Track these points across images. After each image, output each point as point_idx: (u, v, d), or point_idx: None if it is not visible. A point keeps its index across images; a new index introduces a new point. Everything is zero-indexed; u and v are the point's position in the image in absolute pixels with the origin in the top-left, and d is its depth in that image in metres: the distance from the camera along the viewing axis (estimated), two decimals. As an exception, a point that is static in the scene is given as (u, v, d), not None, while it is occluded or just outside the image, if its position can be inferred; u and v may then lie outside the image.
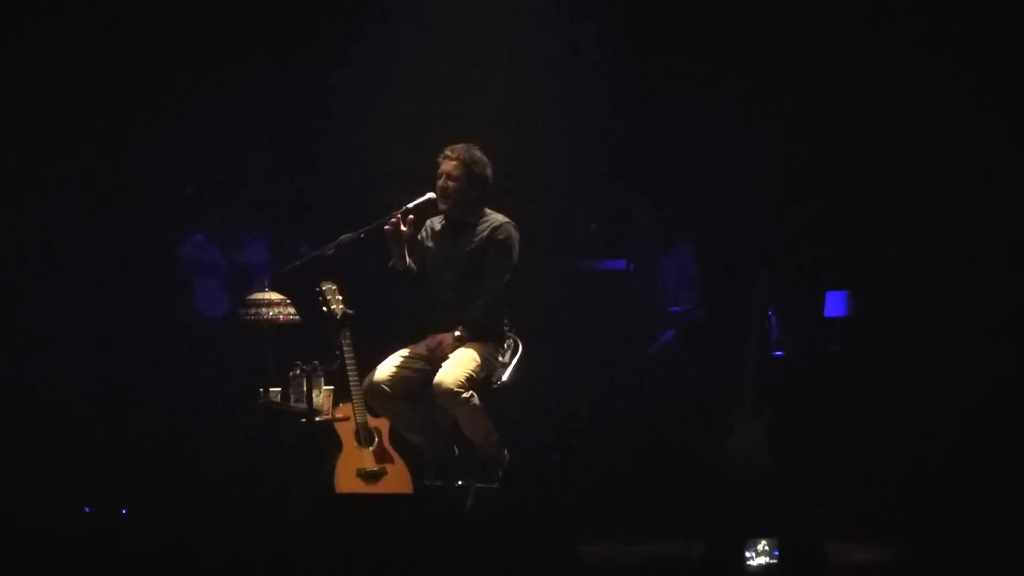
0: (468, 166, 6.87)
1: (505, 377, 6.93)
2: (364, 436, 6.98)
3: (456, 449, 7.00)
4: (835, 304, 8.09)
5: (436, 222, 7.07)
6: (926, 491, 6.76)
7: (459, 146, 6.89)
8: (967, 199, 7.01)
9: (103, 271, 7.82)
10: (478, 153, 6.90)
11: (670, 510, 7.17)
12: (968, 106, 7.01)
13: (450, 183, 6.88)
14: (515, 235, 6.94)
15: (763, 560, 6.23)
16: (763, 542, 6.19)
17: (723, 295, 8.09)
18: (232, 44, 7.92)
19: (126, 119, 7.75)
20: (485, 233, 6.94)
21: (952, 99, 7.05)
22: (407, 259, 6.95)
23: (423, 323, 7.06)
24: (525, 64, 8.06)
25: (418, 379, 6.88)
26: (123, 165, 7.83)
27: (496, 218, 6.97)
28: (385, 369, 6.90)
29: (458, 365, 6.74)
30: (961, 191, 7.02)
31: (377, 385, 6.88)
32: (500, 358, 6.96)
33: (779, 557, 6.16)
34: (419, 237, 7.04)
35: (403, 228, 6.86)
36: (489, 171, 6.92)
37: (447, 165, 6.87)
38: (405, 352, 6.95)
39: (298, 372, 7.04)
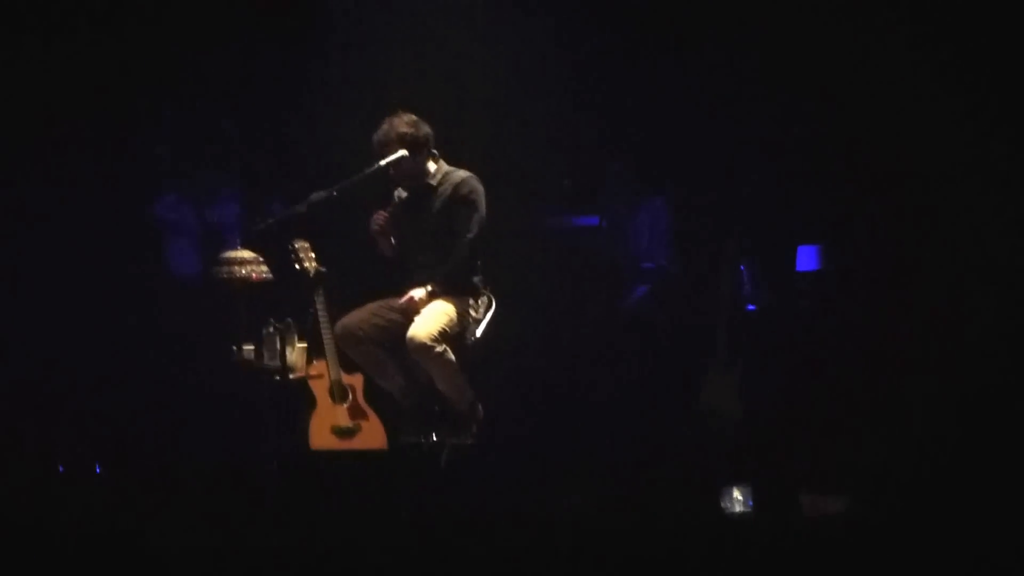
0: (401, 138, 6.86)
1: (479, 332, 6.94)
2: (338, 393, 7.00)
3: (430, 403, 7.02)
4: (807, 258, 8.12)
5: (402, 191, 7.09)
6: (899, 443, 6.80)
7: (380, 130, 6.88)
8: (943, 151, 7.01)
9: (75, 231, 7.79)
10: (402, 119, 6.88)
11: (644, 463, 7.21)
12: (945, 62, 7.01)
13: (392, 169, 6.89)
14: (479, 188, 6.95)
15: (738, 508, 6.29)
16: (737, 490, 6.25)
17: (695, 250, 8.10)
18: (205, 5, 7.88)
19: (99, 80, 7.71)
20: (448, 191, 6.95)
21: (929, 54, 7.05)
22: (392, 241, 6.99)
23: (397, 282, 7.07)
24: (500, 19, 8.04)
25: (391, 330, 6.88)
26: (96, 125, 7.80)
27: (457, 174, 6.97)
28: (358, 314, 6.93)
29: (431, 319, 6.76)
30: (937, 143, 7.03)
31: (349, 328, 6.90)
32: (474, 313, 6.97)
33: (753, 506, 6.22)
34: (390, 210, 7.06)
35: (381, 223, 6.90)
36: (424, 128, 6.91)
37: (384, 151, 6.86)
38: (380, 303, 6.97)
39: (271, 330, 7.05)
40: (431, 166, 6.98)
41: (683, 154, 8.20)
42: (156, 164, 8.08)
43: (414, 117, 6.90)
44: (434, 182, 6.96)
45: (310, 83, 8.05)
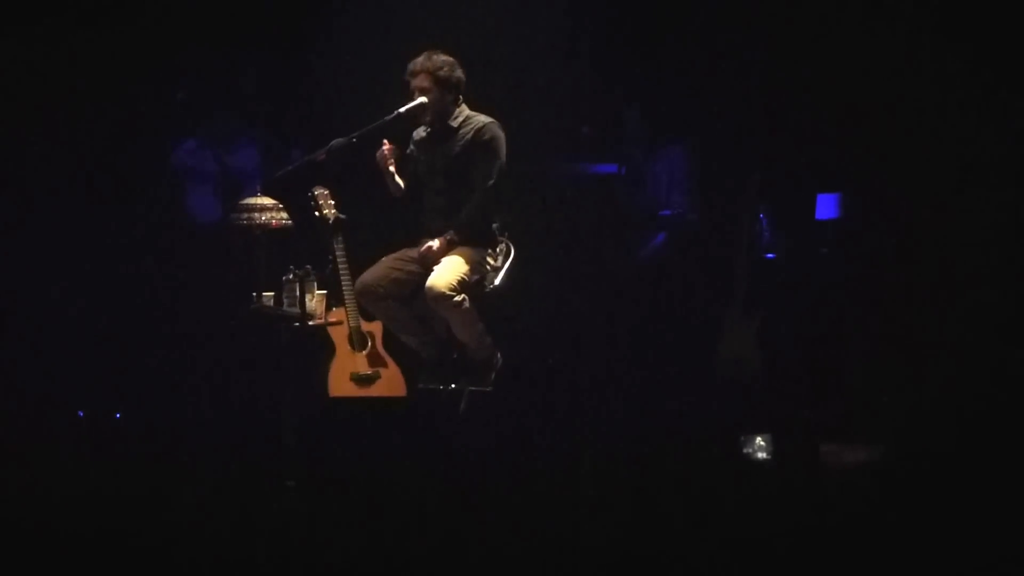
0: (434, 74, 6.83)
1: (497, 281, 6.94)
2: (357, 340, 7.02)
3: (450, 352, 7.03)
4: (826, 206, 8.10)
5: (421, 131, 7.06)
6: (915, 395, 6.80)
7: (419, 59, 6.85)
8: (962, 101, 6.98)
9: (95, 178, 7.79)
10: (440, 57, 6.86)
11: (664, 412, 7.23)
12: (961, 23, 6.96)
13: (425, 97, 6.86)
14: (500, 134, 6.92)
15: (760, 455, 6.31)
16: (759, 438, 6.26)
17: (714, 198, 8.08)
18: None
19: (120, 27, 7.68)
20: (469, 135, 6.92)
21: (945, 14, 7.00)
22: (399, 181, 6.96)
23: (415, 229, 7.06)
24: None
25: (410, 281, 6.89)
26: (115, 72, 7.77)
27: (479, 119, 6.94)
28: (377, 270, 6.92)
29: (449, 269, 6.75)
30: (957, 93, 6.99)
31: (369, 285, 6.90)
32: (492, 262, 6.97)
33: (773, 454, 6.23)
34: (408, 152, 7.04)
35: (388, 158, 6.87)
36: (458, 71, 6.89)
37: (415, 81, 6.84)
38: (397, 255, 6.97)
39: (291, 277, 7.06)
40: (455, 109, 6.95)
41: (702, 101, 8.16)
42: (176, 110, 8.06)
43: (451, 59, 6.88)
44: (455, 124, 6.94)
45: (330, 28, 8.01)
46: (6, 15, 7.43)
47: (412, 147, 7.06)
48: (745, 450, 6.38)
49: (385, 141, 6.91)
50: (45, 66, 7.56)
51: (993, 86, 6.81)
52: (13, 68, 7.49)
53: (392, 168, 6.94)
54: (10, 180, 7.69)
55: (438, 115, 6.91)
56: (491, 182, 6.88)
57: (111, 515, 5.56)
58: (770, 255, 7.91)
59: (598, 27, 8.15)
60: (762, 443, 6.39)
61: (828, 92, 7.60)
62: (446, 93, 6.87)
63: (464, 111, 6.96)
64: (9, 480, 6.07)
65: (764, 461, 6.36)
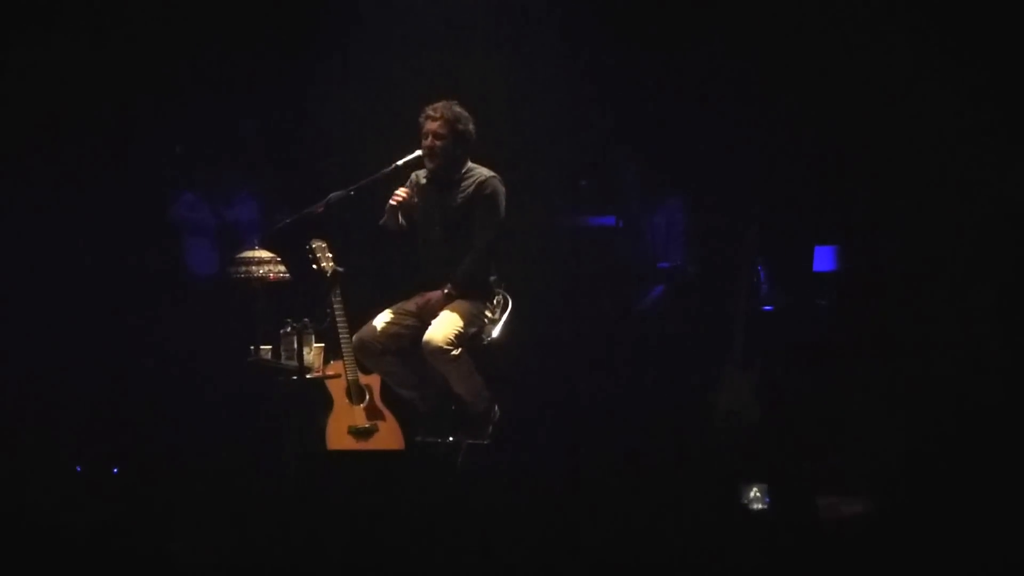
0: (452, 123, 6.86)
1: (495, 334, 6.94)
2: (355, 393, 7.01)
3: (447, 405, 7.02)
4: (824, 259, 8.11)
5: (421, 176, 7.07)
6: (917, 447, 6.78)
7: (440, 104, 6.88)
8: (959, 154, 6.99)
9: (93, 231, 7.80)
10: (459, 109, 6.89)
11: (661, 464, 7.20)
12: (966, 63, 6.98)
13: (436, 142, 6.87)
14: (501, 189, 6.94)
15: (756, 506, 6.28)
16: (756, 488, 6.24)
17: (712, 250, 8.09)
18: (224, 5, 7.89)
19: (117, 80, 7.72)
20: (471, 188, 6.93)
21: (943, 50, 7.02)
22: (400, 219, 6.97)
23: (412, 280, 7.07)
24: (515, 20, 8.05)
25: (408, 335, 6.90)
26: (113, 125, 7.80)
27: (481, 172, 6.96)
28: (375, 325, 6.92)
29: (447, 322, 6.76)
30: (954, 146, 7.01)
31: (367, 341, 6.90)
32: (489, 314, 6.97)
33: (770, 505, 6.21)
34: (413, 198, 7.05)
35: (401, 198, 6.88)
36: (472, 126, 6.92)
37: (431, 124, 6.87)
38: (395, 309, 6.97)
39: (289, 330, 7.07)
40: (461, 162, 6.97)
41: (700, 154, 8.18)
42: (174, 164, 8.09)
43: (468, 115, 6.90)
44: (459, 175, 6.96)
45: (327, 83, 8.05)
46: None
47: (411, 192, 7.07)
48: (742, 500, 6.36)
49: (405, 188, 6.92)
50: (48, 118, 7.59)
51: (989, 134, 6.83)
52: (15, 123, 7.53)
53: (400, 208, 6.94)
54: (12, 235, 7.70)
55: (444, 165, 6.92)
56: (490, 236, 6.90)
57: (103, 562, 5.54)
58: (768, 307, 7.91)
59: (597, 81, 8.18)
60: (759, 493, 6.37)
61: (825, 144, 7.63)
62: (457, 145, 6.90)
63: (468, 164, 6.98)
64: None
65: (760, 511, 6.34)
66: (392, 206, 6.91)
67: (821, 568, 5.42)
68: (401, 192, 6.90)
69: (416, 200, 7.02)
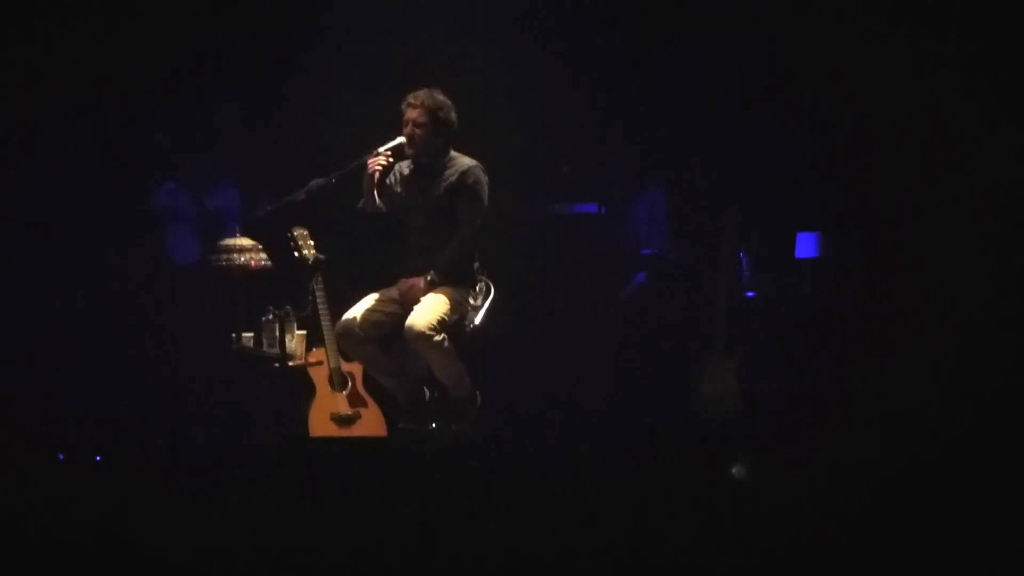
0: (432, 112, 6.85)
1: (477, 320, 6.94)
2: (338, 381, 7.01)
3: (427, 393, 7.02)
4: (806, 245, 8.12)
5: (404, 167, 7.06)
6: (899, 431, 6.79)
7: (421, 92, 6.87)
8: (942, 138, 6.99)
9: (73, 220, 7.78)
10: (441, 97, 6.87)
11: (643, 452, 7.21)
12: (949, 47, 6.98)
13: (416, 130, 6.86)
14: (484, 178, 6.93)
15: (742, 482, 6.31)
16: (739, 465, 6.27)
17: (694, 237, 8.10)
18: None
19: (97, 67, 7.69)
20: (454, 178, 6.92)
21: (931, 40, 7.02)
22: (377, 200, 6.95)
23: (395, 268, 7.06)
24: (496, 7, 8.04)
25: (390, 322, 6.89)
26: (93, 113, 7.78)
27: (464, 161, 6.95)
28: (357, 312, 6.91)
29: (429, 308, 6.75)
30: (937, 130, 7.00)
31: (349, 328, 6.89)
32: (472, 301, 6.97)
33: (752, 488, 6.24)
34: (388, 182, 7.03)
35: (380, 167, 6.85)
36: (453, 114, 6.90)
37: (411, 112, 6.85)
38: (377, 296, 6.96)
39: (271, 317, 7.07)
40: (443, 151, 6.96)
41: (682, 141, 8.19)
42: (154, 152, 8.06)
43: (450, 102, 6.88)
44: (441, 164, 6.95)
45: (308, 70, 8.04)
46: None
47: (393, 180, 7.05)
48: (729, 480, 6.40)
49: (384, 153, 6.90)
50: (26, 105, 7.57)
51: (975, 124, 6.83)
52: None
53: (376, 182, 6.92)
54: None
55: (424, 152, 6.91)
56: (473, 225, 6.89)
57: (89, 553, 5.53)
58: (750, 294, 7.92)
59: (579, 70, 8.18)
60: (742, 469, 6.42)
61: (807, 131, 7.64)
62: (438, 133, 6.88)
63: (450, 152, 6.97)
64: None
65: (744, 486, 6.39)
66: (370, 182, 6.88)
67: (802, 549, 5.44)
68: (380, 160, 6.86)
69: (398, 189, 7.02)
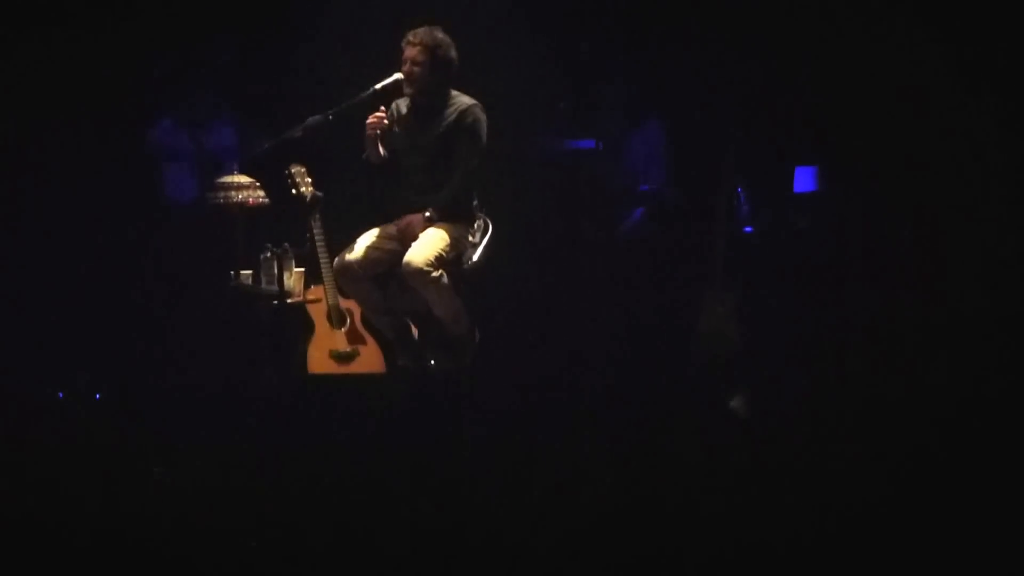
0: (432, 50, 6.81)
1: (475, 257, 6.93)
2: (336, 318, 7.02)
3: (415, 331, 7.04)
4: (804, 180, 8.11)
5: (403, 105, 7.03)
6: (896, 370, 6.81)
7: (421, 30, 6.83)
8: (941, 74, 6.96)
9: (71, 158, 7.76)
10: (441, 35, 6.84)
11: (640, 389, 7.24)
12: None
13: (415, 68, 6.83)
14: (483, 117, 6.91)
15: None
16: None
17: (692, 172, 8.08)
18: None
19: (95, 7, 7.65)
20: (452, 117, 6.89)
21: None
22: (380, 149, 6.94)
23: (393, 205, 7.06)
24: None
25: (388, 259, 6.89)
26: (91, 52, 7.74)
27: (463, 100, 6.92)
28: (356, 250, 6.90)
29: (428, 245, 6.75)
30: (936, 69, 6.97)
31: (349, 265, 6.89)
32: (470, 238, 6.96)
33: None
34: (388, 123, 7.01)
35: (385, 122, 6.85)
36: (453, 53, 6.87)
37: (410, 50, 6.82)
38: (376, 232, 6.96)
39: (268, 255, 7.07)
40: (442, 89, 6.93)
41: (679, 74, 8.16)
42: (152, 90, 8.04)
43: (450, 40, 6.85)
44: (440, 103, 6.92)
45: (305, 4, 7.99)
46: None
47: (392, 118, 7.03)
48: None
49: (382, 108, 6.89)
50: (18, 45, 7.53)
51: (976, 61, 6.80)
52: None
53: (379, 134, 6.91)
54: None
55: (422, 90, 6.88)
56: (472, 164, 6.87)
57: (89, 494, 5.56)
58: (748, 229, 7.91)
59: (575, 3, 8.14)
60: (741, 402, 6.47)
61: (805, 64, 7.61)
62: (436, 71, 6.84)
63: (451, 92, 6.95)
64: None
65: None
66: (371, 136, 6.87)
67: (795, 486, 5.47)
68: (375, 118, 6.85)
69: (396, 128, 7.00)
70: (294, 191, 6.89)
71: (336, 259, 6.91)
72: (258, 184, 7.08)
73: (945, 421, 5.99)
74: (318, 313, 7.03)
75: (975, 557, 4.73)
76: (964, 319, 6.66)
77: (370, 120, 6.84)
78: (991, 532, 4.90)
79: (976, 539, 4.84)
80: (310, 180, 6.92)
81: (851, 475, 5.55)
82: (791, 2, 7.41)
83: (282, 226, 7.15)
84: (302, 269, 7.12)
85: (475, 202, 7.01)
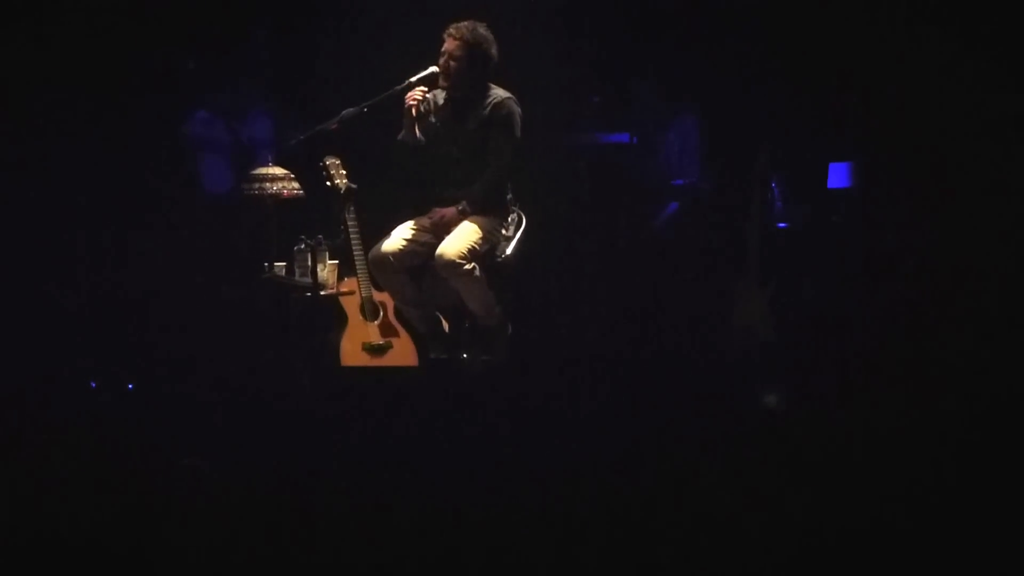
0: (470, 46, 6.82)
1: (509, 251, 6.94)
2: (369, 310, 7.03)
3: (446, 325, 7.05)
4: (838, 175, 8.09)
5: (439, 96, 7.04)
6: (926, 359, 6.77)
7: (463, 24, 6.84)
8: (973, 68, 6.92)
9: (109, 148, 7.78)
10: (483, 31, 6.85)
11: (674, 384, 7.22)
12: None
13: (451, 63, 6.84)
14: (517, 111, 6.92)
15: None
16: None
17: (726, 167, 8.07)
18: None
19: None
20: (487, 110, 6.90)
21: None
22: (416, 132, 6.94)
23: (427, 198, 7.07)
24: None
25: (423, 252, 6.91)
26: (128, 41, 7.76)
27: (498, 94, 6.93)
28: (392, 242, 6.92)
29: (461, 237, 6.76)
30: (969, 60, 6.93)
31: (384, 257, 6.91)
32: (504, 232, 6.97)
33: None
34: (423, 110, 7.02)
35: (415, 100, 6.85)
36: (494, 50, 6.87)
37: (450, 44, 6.84)
38: (411, 225, 6.97)
39: (303, 247, 7.09)
40: (479, 84, 6.93)
41: (713, 69, 8.14)
42: (188, 81, 8.06)
43: (491, 37, 6.86)
44: (476, 97, 6.92)
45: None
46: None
47: (428, 109, 7.04)
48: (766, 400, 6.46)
49: (420, 90, 6.88)
50: (59, 33, 7.54)
51: (1009, 57, 6.76)
52: (23, 34, 7.47)
53: (415, 115, 6.91)
54: (24, 153, 7.68)
55: (459, 85, 6.89)
56: (506, 158, 6.88)
57: (119, 485, 5.57)
58: (782, 224, 7.90)
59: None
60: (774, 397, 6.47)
61: (841, 59, 7.58)
62: (474, 66, 6.85)
63: (488, 86, 6.95)
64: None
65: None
66: (409, 115, 6.88)
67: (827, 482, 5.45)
68: (415, 94, 6.86)
69: (432, 119, 7.00)
70: (328, 183, 6.91)
71: (371, 251, 6.93)
72: (293, 176, 7.09)
73: (976, 420, 5.96)
74: (351, 306, 7.04)
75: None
76: (994, 318, 6.62)
77: (410, 96, 6.84)
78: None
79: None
80: (344, 172, 6.93)
81: (879, 474, 5.52)
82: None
83: (316, 218, 7.16)
84: (336, 261, 7.14)
85: (509, 196, 7.02)
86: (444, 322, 7.07)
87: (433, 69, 6.85)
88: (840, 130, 7.89)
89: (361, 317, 7.03)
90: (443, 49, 6.83)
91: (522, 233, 6.99)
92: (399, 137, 6.96)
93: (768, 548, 4.84)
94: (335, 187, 6.90)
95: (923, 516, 4.96)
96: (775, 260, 7.54)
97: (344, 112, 6.81)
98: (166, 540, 4.96)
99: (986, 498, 5.05)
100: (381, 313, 7.05)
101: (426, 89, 6.89)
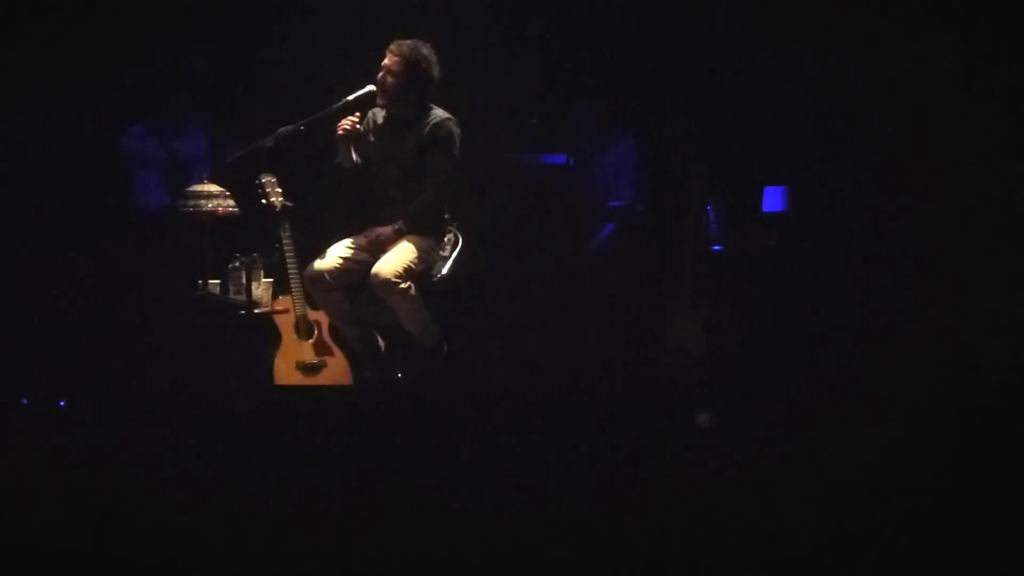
0: (410, 63, 6.83)
1: (445, 270, 6.95)
2: (304, 329, 7.00)
3: (382, 344, 7.04)
4: (773, 199, 8.13)
5: (378, 115, 7.05)
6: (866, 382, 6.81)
7: (406, 43, 6.85)
8: (914, 86, 6.96)
9: (40, 164, 7.72)
10: (425, 51, 6.85)
11: (608, 403, 7.23)
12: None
13: (389, 79, 6.85)
14: (456, 131, 6.93)
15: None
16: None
17: (662, 190, 8.10)
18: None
19: (66, 11, 7.62)
20: (426, 131, 6.92)
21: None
22: (353, 156, 6.94)
23: (365, 216, 7.06)
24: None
25: (358, 270, 6.90)
26: (62, 57, 7.71)
27: (438, 114, 6.94)
28: (328, 260, 6.91)
29: (397, 256, 6.76)
30: (910, 78, 6.97)
31: (319, 275, 6.89)
32: (440, 251, 6.98)
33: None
34: (362, 128, 7.02)
35: (357, 128, 6.85)
36: (435, 71, 6.88)
37: (389, 60, 6.85)
38: (347, 243, 6.96)
39: (237, 264, 7.06)
40: (417, 103, 6.93)
41: (650, 93, 8.18)
42: (123, 96, 8.01)
43: (434, 58, 6.87)
44: (415, 116, 6.93)
45: (280, 14, 7.98)
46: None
47: (367, 128, 7.04)
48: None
49: (356, 114, 6.88)
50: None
51: (952, 75, 6.80)
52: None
53: (350, 141, 6.91)
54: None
55: (397, 103, 6.90)
56: (444, 178, 6.90)
57: (52, 504, 5.52)
58: (717, 247, 7.93)
59: (547, 19, 8.15)
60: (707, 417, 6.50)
61: (775, 84, 7.63)
62: (412, 84, 6.86)
63: (425, 105, 6.95)
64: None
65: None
66: (342, 138, 6.88)
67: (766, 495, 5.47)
68: (346, 122, 6.86)
69: (371, 137, 7.00)
70: (264, 201, 6.88)
71: (307, 269, 6.91)
72: (228, 193, 7.06)
73: (917, 439, 6.00)
74: (285, 324, 7.02)
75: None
76: (942, 333, 6.67)
77: (341, 124, 6.85)
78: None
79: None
80: (280, 190, 6.91)
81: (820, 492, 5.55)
82: (762, 22, 7.43)
83: (251, 236, 7.13)
84: (271, 279, 7.12)
85: (446, 215, 7.02)
86: (380, 341, 7.06)
87: (371, 88, 6.86)
88: (775, 154, 7.93)
89: (295, 335, 7.00)
90: (383, 64, 6.83)
91: (458, 253, 7.00)
92: (336, 161, 6.96)
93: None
94: (271, 205, 6.87)
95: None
96: (709, 283, 7.56)
97: (281, 130, 6.80)
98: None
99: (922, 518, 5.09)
100: (316, 332, 7.02)
101: (356, 119, 6.89)
